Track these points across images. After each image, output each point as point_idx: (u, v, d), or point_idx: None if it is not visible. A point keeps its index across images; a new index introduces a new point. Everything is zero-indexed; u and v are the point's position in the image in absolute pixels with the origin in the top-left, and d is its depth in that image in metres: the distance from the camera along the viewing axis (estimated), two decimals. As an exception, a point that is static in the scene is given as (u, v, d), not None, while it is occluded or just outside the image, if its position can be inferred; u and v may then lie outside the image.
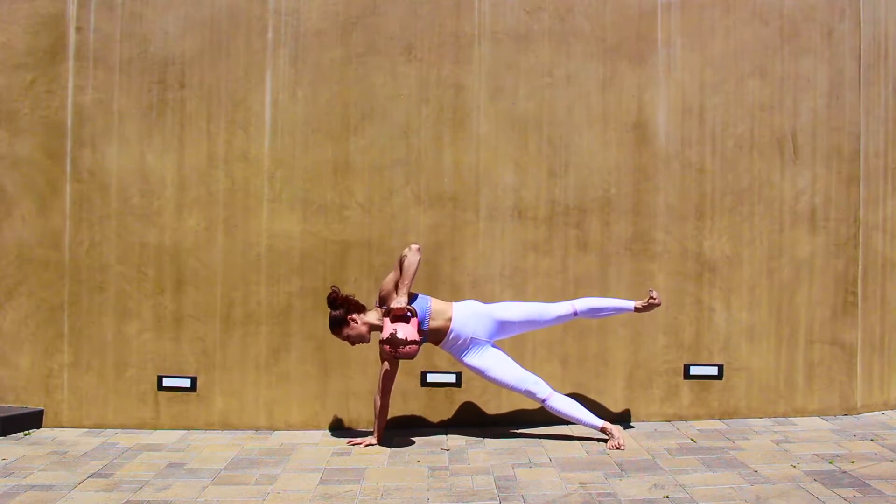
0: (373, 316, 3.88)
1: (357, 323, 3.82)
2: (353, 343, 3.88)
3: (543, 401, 3.88)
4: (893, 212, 4.61)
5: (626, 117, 4.38)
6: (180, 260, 4.28)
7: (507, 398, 4.32)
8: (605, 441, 3.86)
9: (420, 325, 3.76)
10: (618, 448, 3.75)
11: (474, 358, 3.87)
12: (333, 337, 3.88)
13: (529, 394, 3.88)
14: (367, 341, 3.91)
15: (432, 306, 3.85)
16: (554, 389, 3.94)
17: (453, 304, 3.93)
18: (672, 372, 4.38)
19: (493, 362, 3.87)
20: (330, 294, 3.83)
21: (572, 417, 3.90)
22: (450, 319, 3.84)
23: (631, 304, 4.01)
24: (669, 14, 4.39)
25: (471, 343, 3.87)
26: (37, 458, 3.69)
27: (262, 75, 4.29)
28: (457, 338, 3.85)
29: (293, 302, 4.28)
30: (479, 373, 3.89)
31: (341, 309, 3.81)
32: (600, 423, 3.88)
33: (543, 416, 4.31)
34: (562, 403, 3.90)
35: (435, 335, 3.87)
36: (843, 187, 4.45)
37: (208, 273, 4.27)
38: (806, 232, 4.43)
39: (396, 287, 3.75)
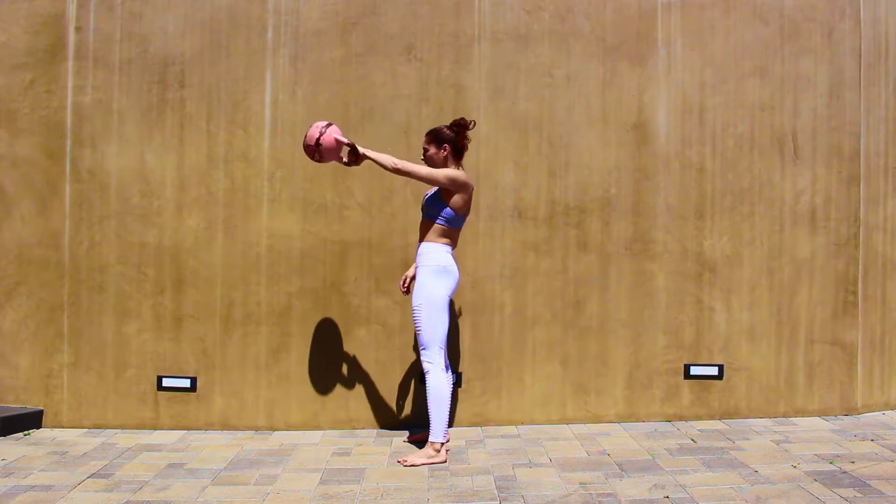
0: (451, 168, 3.78)
1: (445, 151, 3.77)
2: (426, 162, 3.82)
3: (427, 372, 3.65)
4: (894, 211, 4.61)
5: (626, 117, 4.38)
6: (180, 260, 4.28)
7: (507, 399, 4.32)
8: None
9: None
10: (403, 462, 3.56)
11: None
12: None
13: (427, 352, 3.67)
14: (437, 167, 3.77)
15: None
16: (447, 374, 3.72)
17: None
18: (672, 372, 4.37)
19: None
20: (461, 119, 3.78)
21: (431, 408, 3.64)
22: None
23: None
24: (669, 14, 4.39)
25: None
26: (36, 458, 3.68)
27: (261, 75, 4.29)
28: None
29: (293, 302, 4.28)
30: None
31: (453, 134, 3.77)
32: (443, 438, 3.61)
33: (543, 416, 4.32)
34: (437, 386, 3.64)
35: None
36: (843, 187, 4.45)
37: (208, 273, 4.27)
38: (806, 232, 4.43)
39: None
